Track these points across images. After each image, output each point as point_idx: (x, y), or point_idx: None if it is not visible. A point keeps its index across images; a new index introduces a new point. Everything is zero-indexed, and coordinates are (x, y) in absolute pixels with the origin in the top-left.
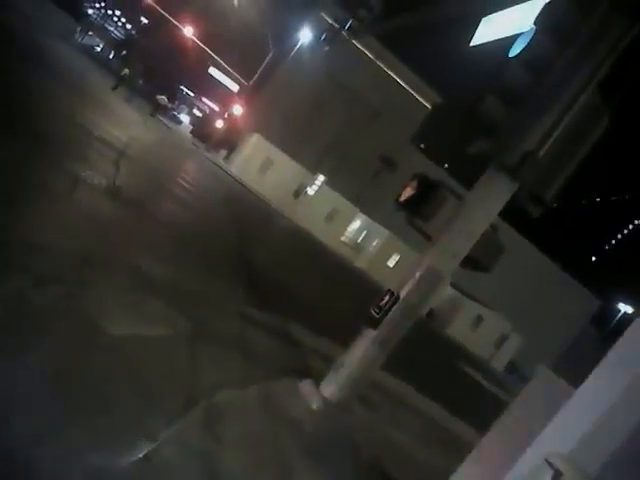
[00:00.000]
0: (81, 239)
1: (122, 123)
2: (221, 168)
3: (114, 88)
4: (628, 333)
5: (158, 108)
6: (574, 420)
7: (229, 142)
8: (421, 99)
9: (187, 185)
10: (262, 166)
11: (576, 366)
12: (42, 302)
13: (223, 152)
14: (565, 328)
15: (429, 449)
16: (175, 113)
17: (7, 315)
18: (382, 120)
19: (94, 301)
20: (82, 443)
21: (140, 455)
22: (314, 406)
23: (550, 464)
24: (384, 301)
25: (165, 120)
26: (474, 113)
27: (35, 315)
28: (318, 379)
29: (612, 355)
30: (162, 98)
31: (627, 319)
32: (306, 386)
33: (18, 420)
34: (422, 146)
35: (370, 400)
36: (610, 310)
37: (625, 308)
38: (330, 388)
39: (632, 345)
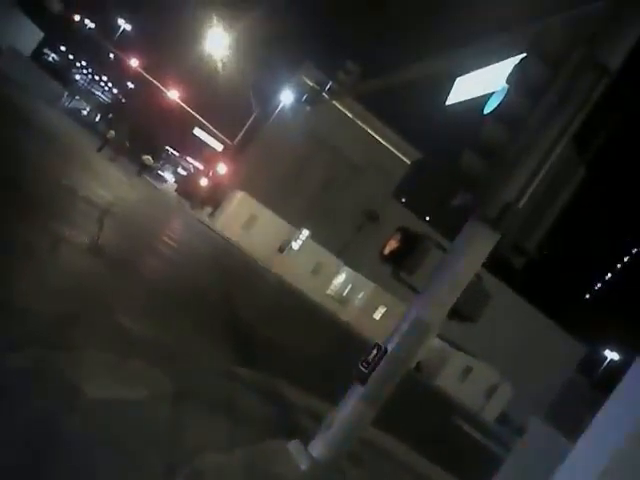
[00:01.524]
0: (62, 299)
1: (107, 183)
2: (206, 225)
3: (99, 149)
4: (627, 380)
5: (144, 168)
6: (579, 472)
7: (214, 200)
8: (401, 155)
9: (172, 242)
10: (247, 222)
11: (567, 414)
12: (19, 365)
13: (208, 209)
14: (553, 376)
15: None
16: (160, 172)
17: None
18: (364, 176)
19: (74, 363)
20: None
21: None
22: (303, 467)
23: None
24: (372, 355)
25: (150, 179)
26: (453, 168)
27: (11, 379)
28: (307, 438)
29: (608, 407)
30: (147, 158)
31: (614, 366)
32: (294, 446)
33: None
34: (403, 200)
35: (360, 458)
36: (597, 357)
37: (611, 355)
38: (319, 448)
39: (632, 391)
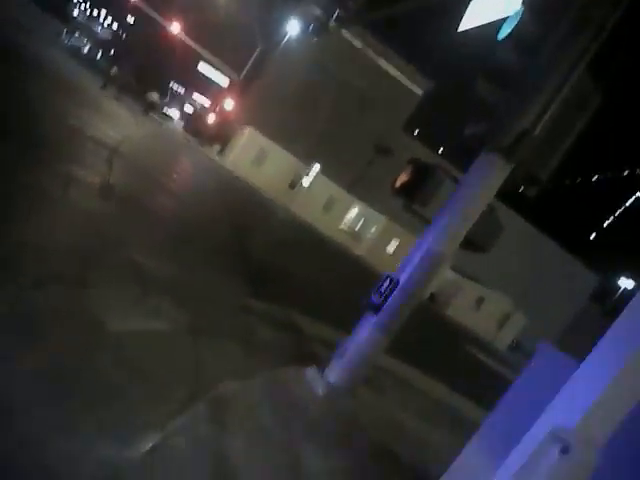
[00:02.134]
0: (77, 238)
1: (113, 122)
2: (215, 163)
3: (103, 87)
4: (630, 307)
5: (149, 106)
6: (579, 393)
7: (222, 137)
8: (413, 86)
9: (182, 180)
10: (256, 159)
11: (579, 342)
12: (42, 303)
13: (217, 147)
14: (566, 305)
15: (435, 429)
16: (166, 110)
17: (8, 317)
18: (375, 108)
19: (94, 299)
20: (90, 438)
21: (148, 447)
22: (319, 392)
23: (557, 438)
24: (384, 287)
25: (156, 117)
26: (467, 96)
27: (36, 316)
28: (322, 366)
29: (615, 328)
30: (152, 95)
31: (628, 294)
32: (310, 373)
33: (26, 418)
34: (416, 132)
35: (375, 384)
36: (610, 286)
37: (626, 284)
38: (334, 374)
39: (634, 318)
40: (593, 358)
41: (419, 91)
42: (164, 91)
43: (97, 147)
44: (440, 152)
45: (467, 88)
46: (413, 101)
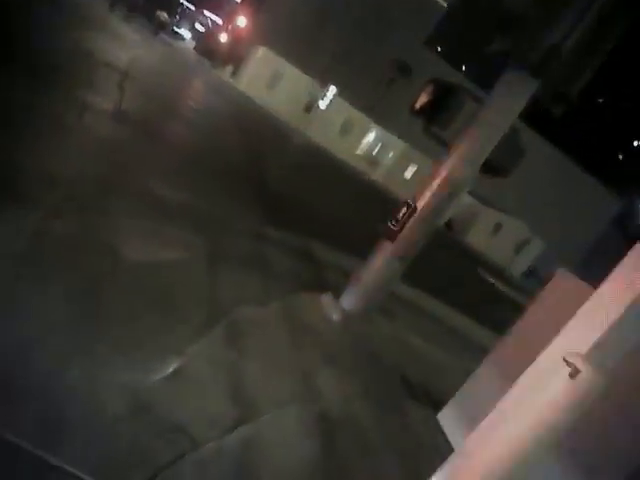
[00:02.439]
0: (92, 167)
1: (123, 44)
2: (228, 85)
3: (111, 7)
4: None
5: (159, 26)
6: (592, 320)
7: (235, 57)
8: None
9: (194, 104)
10: (271, 81)
11: (599, 268)
12: (59, 232)
13: (229, 68)
14: (587, 231)
15: (449, 354)
16: (177, 29)
17: (26, 247)
18: (394, 23)
19: (111, 229)
20: (111, 361)
21: (169, 370)
22: (334, 317)
23: (567, 362)
24: (401, 213)
25: (167, 37)
26: (493, 9)
27: (53, 245)
28: (338, 293)
29: (632, 254)
30: (162, 14)
31: None
32: (326, 299)
33: (46, 342)
34: (438, 49)
35: (390, 310)
36: (633, 211)
37: None
38: (350, 300)
39: None
40: (609, 285)
41: (443, 3)
42: (174, 9)
43: (107, 70)
44: (464, 71)
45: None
46: (436, 15)
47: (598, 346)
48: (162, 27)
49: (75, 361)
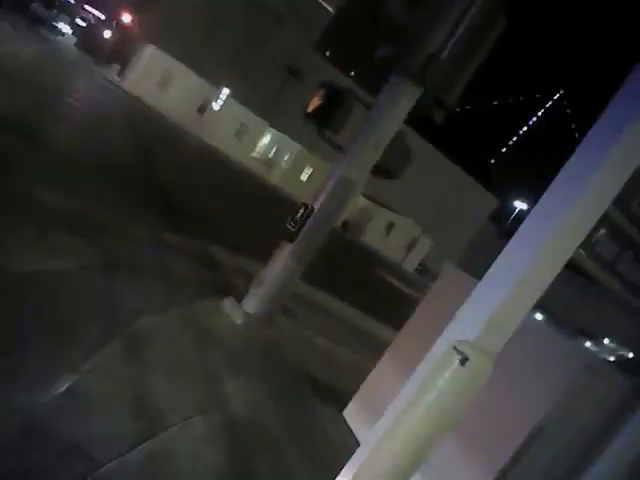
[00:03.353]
0: None
1: None
2: (115, 85)
3: None
4: (521, 229)
5: (34, 19)
6: (477, 309)
7: (121, 55)
8: (324, 3)
9: (79, 105)
10: (161, 81)
11: (479, 261)
12: None
13: (116, 67)
14: (468, 228)
15: (351, 350)
16: (55, 24)
17: None
18: (286, 27)
19: None
20: (1, 382)
21: (62, 388)
22: (237, 321)
23: (457, 350)
24: (299, 214)
25: (44, 32)
26: (378, 16)
27: None
28: (240, 297)
29: (509, 248)
30: (37, 6)
31: (523, 215)
32: (228, 304)
33: None
34: (327, 53)
35: (292, 311)
36: (507, 208)
37: (521, 205)
38: (252, 303)
39: (525, 238)
40: (489, 276)
41: (332, 9)
42: (51, 2)
43: None
44: (352, 75)
45: (378, 7)
46: (326, 19)
47: (485, 331)
48: (38, 21)
49: None
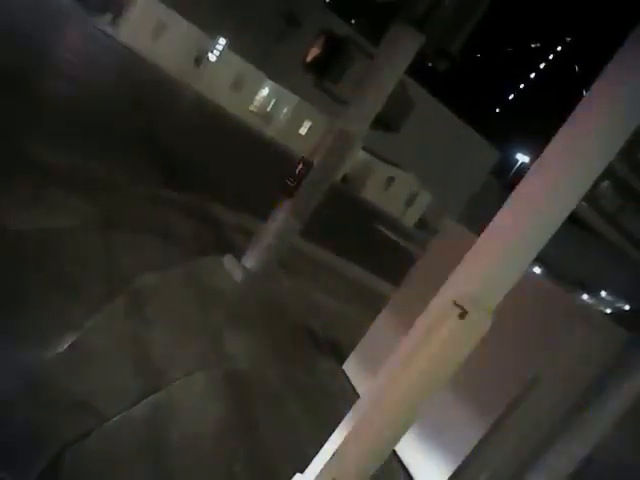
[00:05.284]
0: None
1: None
2: (108, 35)
3: None
4: (524, 179)
5: None
6: (477, 264)
7: (113, 3)
8: None
9: (73, 58)
10: (155, 31)
11: (480, 216)
12: None
13: (108, 16)
14: (470, 181)
15: (350, 305)
16: None
17: None
18: None
19: None
20: (6, 341)
21: (66, 345)
22: (238, 278)
23: (457, 304)
24: (298, 169)
25: None
26: None
27: None
28: (240, 253)
29: (511, 199)
30: None
31: (525, 168)
32: (228, 261)
33: None
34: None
35: (291, 267)
36: (509, 161)
37: (522, 158)
38: (252, 260)
39: (528, 189)
40: (490, 230)
41: None
42: None
43: None
44: (353, 23)
45: None
46: None
47: (484, 285)
48: None
49: None
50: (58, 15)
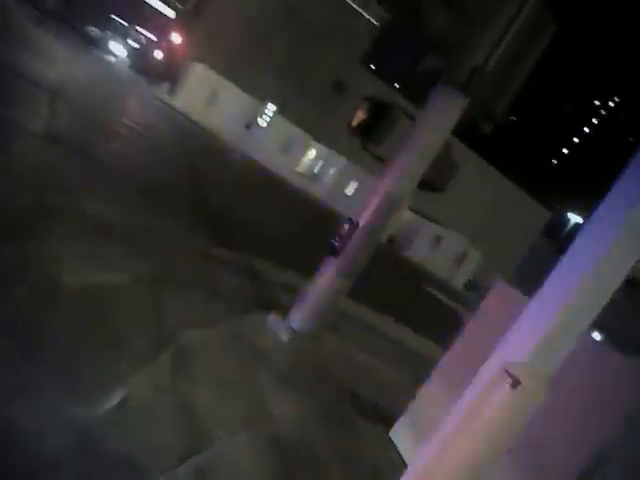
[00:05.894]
0: (26, 190)
1: (53, 61)
2: (165, 103)
3: (37, 22)
4: (574, 244)
5: (90, 41)
6: (529, 329)
7: (171, 74)
8: (371, 17)
9: (131, 123)
10: (209, 98)
11: (531, 277)
12: None
13: (166, 86)
14: (519, 241)
15: (397, 369)
16: (109, 45)
17: None
18: (330, 42)
19: (46, 254)
20: (52, 395)
21: (115, 402)
22: (283, 338)
23: (508, 373)
24: (344, 230)
25: (99, 53)
26: (423, 29)
27: None
28: (286, 312)
29: (562, 264)
30: (93, 30)
31: (578, 229)
32: (274, 319)
33: None
34: (373, 67)
35: (338, 328)
36: (561, 221)
37: (575, 219)
38: (298, 319)
39: (579, 254)
40: (542, 294)
41: (377, 23)
42: (106, 25)
43: (37, 89)
44: (397, 88)
45: (423, 21)
46: (371, 34)
47: (537, 352)
48: (93, 43)
49: (13, 396)
50: (123, 86)
